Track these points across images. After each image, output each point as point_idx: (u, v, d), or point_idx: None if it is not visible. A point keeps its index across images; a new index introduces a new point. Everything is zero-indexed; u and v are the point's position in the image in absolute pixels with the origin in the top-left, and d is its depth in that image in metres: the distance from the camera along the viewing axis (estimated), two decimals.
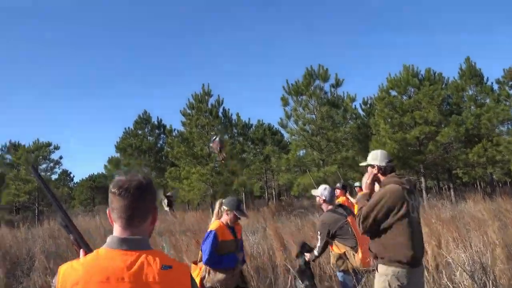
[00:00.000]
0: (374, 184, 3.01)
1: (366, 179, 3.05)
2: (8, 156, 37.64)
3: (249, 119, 28.53)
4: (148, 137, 30.79)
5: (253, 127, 27.97)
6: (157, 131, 31.06)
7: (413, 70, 20.66)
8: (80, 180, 37.22)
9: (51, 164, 34.47)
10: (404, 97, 20.57)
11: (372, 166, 2.99)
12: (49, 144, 34.52)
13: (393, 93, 21.00)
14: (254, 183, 26.02)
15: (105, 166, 32.16)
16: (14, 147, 37.44)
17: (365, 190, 3.03)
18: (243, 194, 26.42)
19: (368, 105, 26.00)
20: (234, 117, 26.92)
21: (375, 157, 3.01)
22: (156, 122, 31.12)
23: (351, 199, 7.56)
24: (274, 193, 27.85)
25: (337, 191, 7.33)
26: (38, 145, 34.63)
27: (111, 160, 31.57)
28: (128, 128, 31.21)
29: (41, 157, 34.36)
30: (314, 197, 4.79)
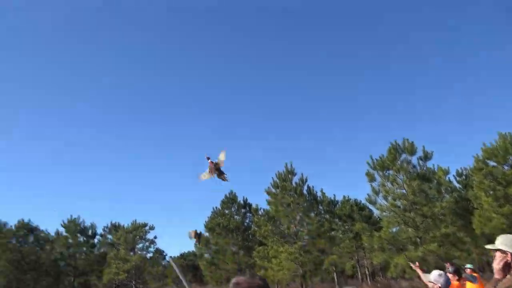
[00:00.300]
0: (506, 271, 2.76)
1: (496, 265, 2.82)
2: (109, 236, 41.04)
3: (334, 195, 28.37)
4: (235, 216, 31.84)
5: (339, 204, 27.63)
6: (243, 210, 32.08)
7: (511, 138, 19.47)
8: (171, 258, 39.07)
9: (147, 244, 36.91)
10: (505, 167, 19.19)
11: (504, 252, 2.75)
12: (145, 225, 37.27)
13: (491, 163, 19.75)
14: (345, 262, 25.00)
15: (195, 245, 33.51)
16: (115, 227, 40.93)
17: (496, 275, 2.83)
18: (334, 273, 25.37)
19: (464, 177, 24.46)
20: (319, 194, 27.01)
21: (509, 243, 2.75)
22: (242, 202, 32.31)
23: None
24: (367, 272, 26.28)
25: (449, 276, 7.00)
26: (136, 226, 37.54)
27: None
28: (216, 207, 32.72)
29: (138, 237, 37.06)
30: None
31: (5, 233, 40.00)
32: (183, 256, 39.67)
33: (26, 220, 40.49)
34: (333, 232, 25.55)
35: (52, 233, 40.37)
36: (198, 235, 13.66)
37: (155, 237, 36.74)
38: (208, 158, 9.68)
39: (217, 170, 10.06)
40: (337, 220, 26.75)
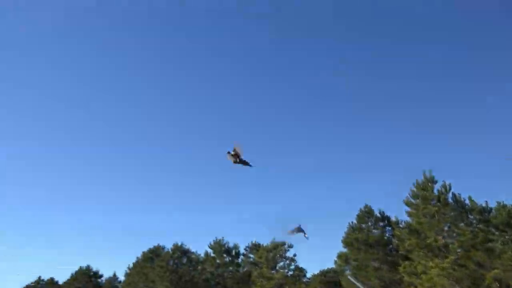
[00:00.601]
0: None
1: None
2: (251, 256, 43.74)
3: (486, 202, 25.63)
4: (373, 230, 31.08)
5: (493, 211, 24.84)
6: (381, 223, 31.16)
7: None
8: (311, 275, 39.75)
9: (287, 262, 38.31)
10: None
11: None
12: (283, 243, 38.83)
13: None
14: (511, 277, 22.20)
15: (335, 261, 33.57)
16: (255, 247, 43.53)
17: None
18: None
19: None
20: (467, 201, 24.80)
21: None
22: (378, 214, 31.42)
23: None
24: None
25: None
26: (275, 244, 39.40)
27: (340, 256, 32.86)
28: (352, 222, 32.44)
29: (278, 255, 38.78)
30: None
31: (163, 256, 45.98)
32: (322, 273, 39.96)
33: (179, 243, 45.77)
34: (490, 243, 23.02)
35: (202, 254, 44.93)
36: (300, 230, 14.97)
37: (295, 255, 37.90)
38: (228, 152, 11.04)
39: (239, 159, 11.11)
40: (493, 229, 24.05)
